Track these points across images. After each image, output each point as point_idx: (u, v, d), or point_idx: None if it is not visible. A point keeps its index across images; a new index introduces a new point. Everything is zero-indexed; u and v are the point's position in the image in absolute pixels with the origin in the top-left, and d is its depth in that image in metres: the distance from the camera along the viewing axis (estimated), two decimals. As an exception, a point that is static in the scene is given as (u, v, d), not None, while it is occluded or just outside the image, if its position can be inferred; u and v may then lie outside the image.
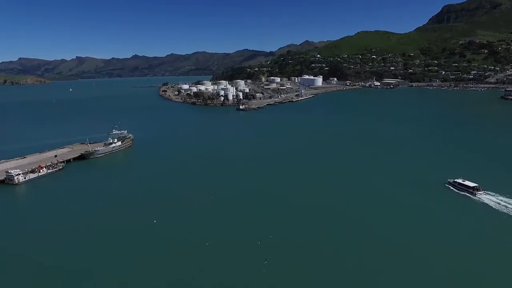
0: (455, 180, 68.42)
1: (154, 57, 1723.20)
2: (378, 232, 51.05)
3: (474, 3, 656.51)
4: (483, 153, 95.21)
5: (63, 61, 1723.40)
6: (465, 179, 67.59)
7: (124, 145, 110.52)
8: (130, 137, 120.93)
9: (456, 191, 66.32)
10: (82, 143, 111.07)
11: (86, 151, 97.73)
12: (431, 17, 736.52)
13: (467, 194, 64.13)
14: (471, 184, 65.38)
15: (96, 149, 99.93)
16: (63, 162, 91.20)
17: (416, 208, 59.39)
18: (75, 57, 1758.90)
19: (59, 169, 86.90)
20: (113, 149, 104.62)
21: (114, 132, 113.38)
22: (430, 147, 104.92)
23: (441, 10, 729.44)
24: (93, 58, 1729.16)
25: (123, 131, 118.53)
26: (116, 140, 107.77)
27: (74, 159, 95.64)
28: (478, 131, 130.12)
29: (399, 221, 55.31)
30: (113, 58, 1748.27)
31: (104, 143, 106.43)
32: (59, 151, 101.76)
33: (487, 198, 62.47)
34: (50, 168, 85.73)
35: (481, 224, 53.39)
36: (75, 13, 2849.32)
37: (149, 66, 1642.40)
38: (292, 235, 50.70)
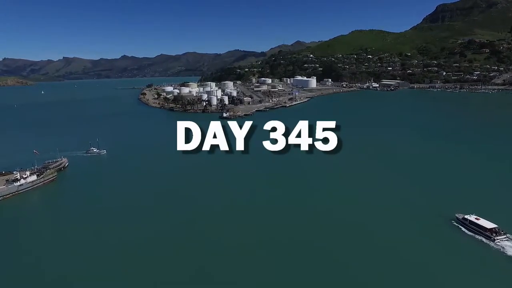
0: (466, 216, 51.01)
1: (143, 57, 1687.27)
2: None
3: (469, 2, 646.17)
4: (507, 179, 68.87)
5: (49, 61, 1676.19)
6: (479, 216, 49.85)
7: (41, 180, 76.19)
8: (62, 163, 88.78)
9: (467, 232, 49.24)
10: (-12, 175, 78.59)
11: (-31, 196, 64.89)
12: (425, 16, 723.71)
13: (483, 239, 47.25)
14: (489, 225, 48.02)
15: (-15, 191, 66.75)
16: None
17: (410, 259, 43.39)
18: (62, 58, 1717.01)
19: None
20: (20, 188, 71.09)
21: (92, 150, 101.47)
22: (438, 167, 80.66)
23: (435, 9, 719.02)
24: (81, 58, 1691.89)
25: (102, 151, 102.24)
26: (28, 174, 74.21)
27: None
28: (502, 147, 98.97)
29: (387, 276, 40.52)
30: (101, 59, 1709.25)
31: (7, 180, 72.91)
32: None
33: None
34: None
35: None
36: (62, 12, 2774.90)
37: (138, 67, 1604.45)
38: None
